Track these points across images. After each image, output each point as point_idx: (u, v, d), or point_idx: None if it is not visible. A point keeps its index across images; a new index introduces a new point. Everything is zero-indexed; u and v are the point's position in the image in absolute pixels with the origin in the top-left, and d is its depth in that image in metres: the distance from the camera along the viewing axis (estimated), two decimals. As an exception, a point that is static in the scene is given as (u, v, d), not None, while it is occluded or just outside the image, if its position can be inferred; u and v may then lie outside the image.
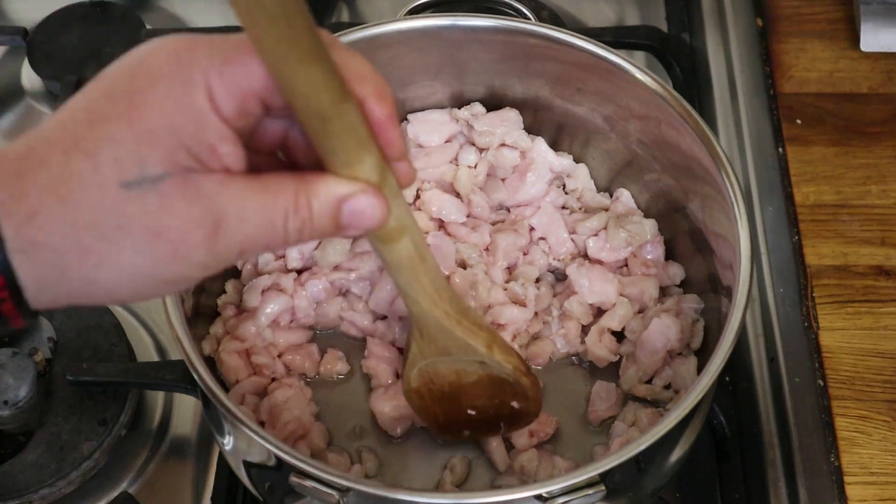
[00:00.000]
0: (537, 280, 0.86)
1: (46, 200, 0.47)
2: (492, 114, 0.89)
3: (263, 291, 0.82)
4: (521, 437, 0.77)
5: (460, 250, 0.84)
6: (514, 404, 0.72)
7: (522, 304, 0.82)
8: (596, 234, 0.87)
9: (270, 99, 0.51)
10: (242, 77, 0.49)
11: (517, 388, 0.71)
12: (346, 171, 0.52)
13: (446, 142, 0.89)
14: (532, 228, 0.87)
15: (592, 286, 0.84)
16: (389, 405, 0.78)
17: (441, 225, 0.88)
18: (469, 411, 0.72)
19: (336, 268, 0.84)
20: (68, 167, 0.48)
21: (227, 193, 0.50)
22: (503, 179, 0.90)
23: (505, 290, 0.83)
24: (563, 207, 0.90)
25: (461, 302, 0.66)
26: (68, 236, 0.48)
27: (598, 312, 0.85)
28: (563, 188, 0.91)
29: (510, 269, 0.86)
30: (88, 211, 0.48)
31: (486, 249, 0.86)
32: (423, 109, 0.91)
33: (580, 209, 0.90)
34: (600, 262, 0.86)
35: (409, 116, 0.89)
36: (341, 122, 0.50)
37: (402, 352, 0.78)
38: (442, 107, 0.91)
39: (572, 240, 0.87)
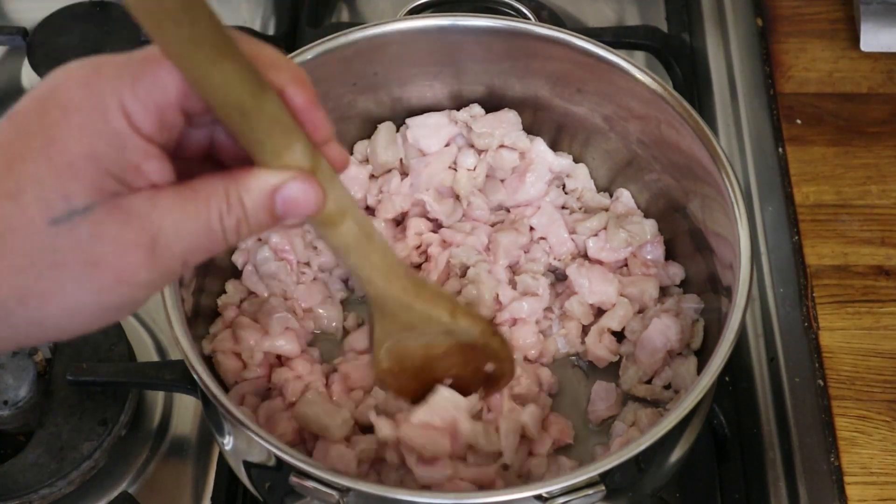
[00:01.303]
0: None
1: None
2: (490, 115, 0.89)
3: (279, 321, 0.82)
4: (543, 444, 0.77)
5: (455, 255, 0.84)
6: (489, 367, 0.72)
7: (535, 295, 0.83)
8: (596, 235, 0.87)
9: (189, 106, 0.50)
10: (156, 90, 0.48)
11: (488, 350, 0.71)
12: (275, 161, 0.51)
13: (446, 146, 0.89)
14: (532, 228, 0.87)
15: (593, 286, 0.84)
16: None
17: (438, 227, 0.88)
18: (445, 381, 0.72)
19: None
20: None
21: (159, 208, 0.49)
22: (503, 181, 0.90)
23: (515, 286, 0.84)
24: (563, 207, 0.90)
25: (416, 276, 0.66)
26: (4, 283, 0.48)
27: (599, 312, 0.85)
28: (563, 188, 0.91)
29: (512, 268, 0.86)
30: (21, 254, 0.47)
31: (487, 249, 0.86)
32: (422, 108, 0.91)
33: (580, 209, 0.90)
34: (600, 263, 0.86)
35: (408, 121, 0.89)
36: (262, 113, 0.50)
37: None
38: (441, 106, 0.91)
39: (572, 240, 0.87)
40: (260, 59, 0.50)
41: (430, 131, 0.89)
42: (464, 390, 0.74)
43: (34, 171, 0.47)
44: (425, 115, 0.90)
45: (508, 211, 0.89)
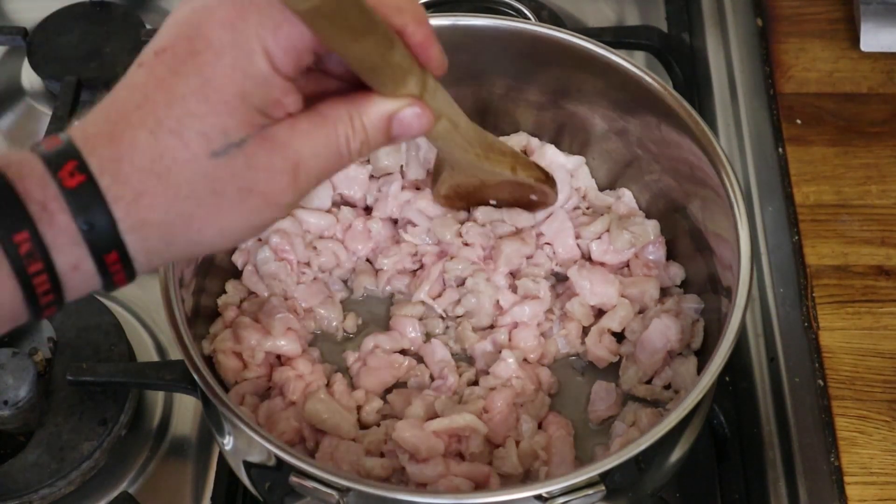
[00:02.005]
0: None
1: (147, 181, 0.51)
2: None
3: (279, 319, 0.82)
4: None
5: (449, 268, 0.84)
6: (533, 197, 0.83)
7: (536, 298, 0.83)
8: (599, 237, 0.87)
9: (321, 50, 0.55)
10: (295, 37, 0.53)
11: (536, 189, 0.82)
12: (392, 92, 0.58)
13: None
14: (540, 234, 0.87)
15: (594, 288, 0.84)
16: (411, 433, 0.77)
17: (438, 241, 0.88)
18: (491, 202, 0.85)
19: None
20: (159, 146, 0.51)
21: (298, 136, 0.55)
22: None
23: (515, 289, 0.84)
24: (576, 208, 0.90)
25: (487, 138, 0.74)
26: (172, 210, 0.52)
27: (599, 313, 0.85)
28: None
29: (512, 273, 0.86)
30: (186, 184, 0.52)
31: (486, 259, 0.86)
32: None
33: (587, 209, 0.90)
34: (603, 265, 0.86)
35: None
36: (388, 65, 0.56)
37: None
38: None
39: (577, 245, 0.87)
40: (388, 4, 0.55)
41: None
42: (505, 205, 0.85)
43: (195, 109, 0.52)
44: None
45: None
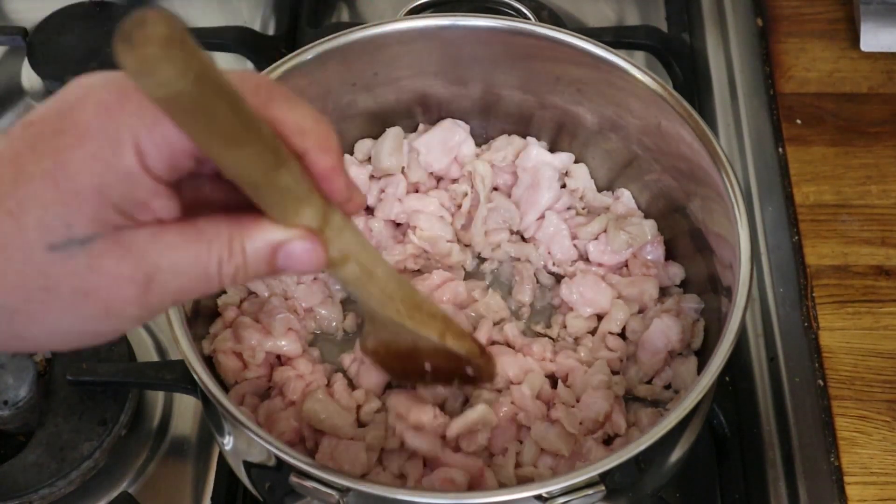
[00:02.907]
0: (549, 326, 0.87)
1: None
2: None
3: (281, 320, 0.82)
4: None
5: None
6: (469, 371, 0.74)
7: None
8: (596, 238, 0.87)
9: (202, 156, 0.49)
10: (174, 136, 0.47)
11: (472, 363, 0.72)
12: (283, 221, 0.52)
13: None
14: (535, 239, 0.88)
15: (585, 298, 0.84)
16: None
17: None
18: (426, 366, 0.73)
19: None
20: None
21: (160, 247, 0.49)
22: (517, 203, 0.90)
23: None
24: (569, 208, 0.90)
25: (415, 297, 0.67)
26: None
27: (600, 316, 0.85)
28: (564, 187, 0.91)
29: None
30: (14, 273, 0.47)
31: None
32: (422, 109, 0.91)
33: (583, 209, 0.90)
34: (601, 265, 0.86)
35: (415, 143, 0.89)
36: (274, 187, 0.50)
37: None
38: (441, 106, 0.91)
39: (574, 246, 0.87)
40: (287, 124, 0.50)
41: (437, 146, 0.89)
42: (442, 379, 0.75)
43: (40, 193, 0.46)
44: (432, 131, 0.90)
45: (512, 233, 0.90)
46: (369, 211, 0.90)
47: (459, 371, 0.74)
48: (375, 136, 0.91)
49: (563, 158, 0.90)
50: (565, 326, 0.85)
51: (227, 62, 1.12)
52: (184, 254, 0.49)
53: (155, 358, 0.93)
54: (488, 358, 0.74)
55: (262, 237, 0.51)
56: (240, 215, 0.51)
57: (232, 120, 0.46)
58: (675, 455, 0.75)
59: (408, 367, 0.74)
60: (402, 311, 0.65)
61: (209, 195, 0.54)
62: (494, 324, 0.84)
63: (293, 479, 0.65)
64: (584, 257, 0.87)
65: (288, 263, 0.52)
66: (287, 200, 0.51)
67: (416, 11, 0.95)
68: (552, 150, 0.91)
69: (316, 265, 0.53)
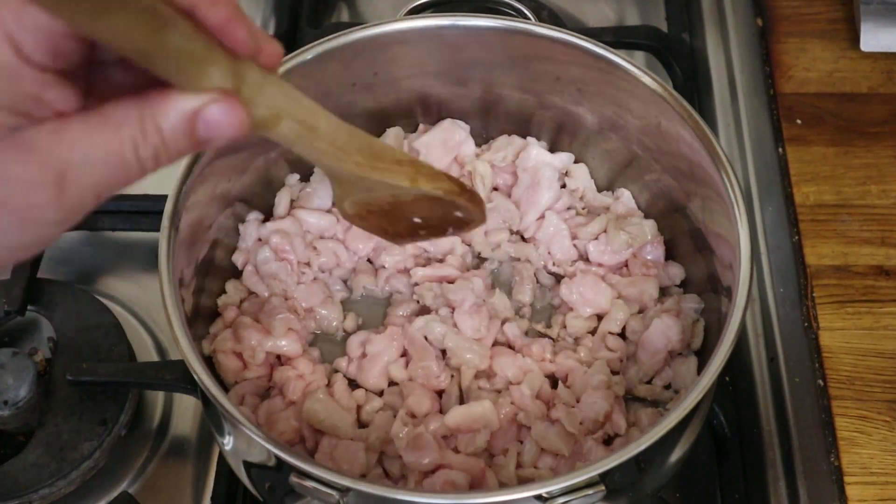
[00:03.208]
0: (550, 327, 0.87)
1: None
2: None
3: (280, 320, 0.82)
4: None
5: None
6: (458, 214, 0.69)
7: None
8: (596, 238, 0.87)
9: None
10: (43, 20, 0.44)
11: (456, 204, 0.67)
12: (191, 86, 0.48)
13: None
14: (534, 239, 0.88)
15: (584, 298, 0.84)
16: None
17: None
18: (415, 220, 0.69)
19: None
20: None
21: (65, 141, 0.45)
22: (516, 202, 0.90)
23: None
24: (569, 208, 0.90)
25: (373, 145, 0.61)
26: None
27: (600, 316, 0.85)
28: (564, 187, 0.91)
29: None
30: None
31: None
32: (422, 109, 0.91)
33: (583, 209, 0.90)
34: (601, 265, 0.86)
35: (416, 144, 0.89)
36: (164, 50, 0.45)
37: None
38: (441, 105, 0.91)
39: (574, 245, 0.87)
40: None
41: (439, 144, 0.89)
42: (434, 230, 0.71)
43: None
44: (432, 131, 0.90)
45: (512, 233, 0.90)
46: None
47: (450, 217, 0.69)
48: (375, 136, 0.91)
49: (563, 158, 0.90)
50: (565, 326, 0.85)
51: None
52: (92, 142, 0.46)
53: (155, 358, 0.93)
54: (471, 194, 0.67)
55: (173, 109, 0.47)
56: (148, 93, 0.47)
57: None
58: (675, 455, 0.75)
59: (397, 226, 0.70)
60: (361, 162, 0.60)
61: (122, 82, 0.50)
62: (501, 323, 0.84)
63: (293, 479, 0.65)
64: (584, 257, 0.87)
65: (210, 132, 0.48)
66: (186, 63, 0.46)
67: (416, 11, 0.95)
68: (552, 150, 0.91)
69: (240, 127, 0.49)
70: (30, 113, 0.45)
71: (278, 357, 0.82)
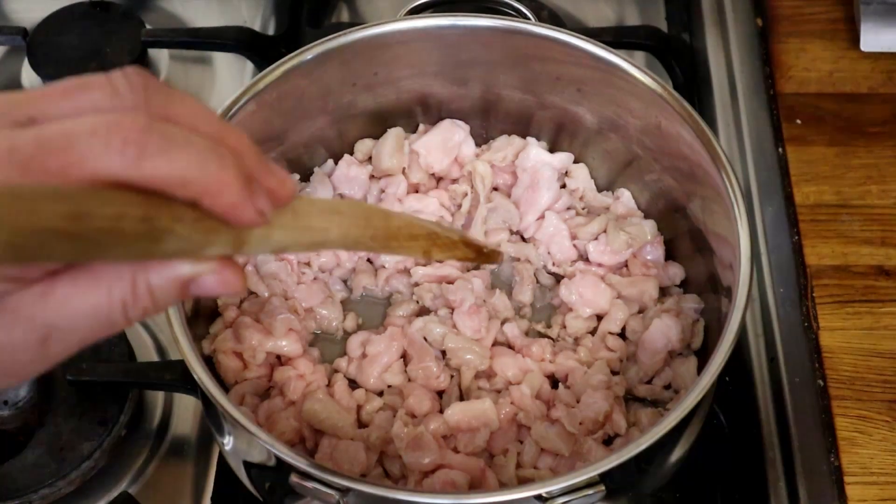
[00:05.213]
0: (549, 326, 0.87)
1: None
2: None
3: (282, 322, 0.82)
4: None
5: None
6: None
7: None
8: (596, 238, 0.87)
9: None
10: None
11: (472, 259, 0.66)
12: (191, 258, 0.46)
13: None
14: (534, 239, 0.88)
15: (584, 299, 0.84)
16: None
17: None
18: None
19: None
20: None
21: (52, 304, 0.44)
22: (516, 202, 0.90)
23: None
24: (569, 209, 0.90)
25: (390, 227, 0.59)
26: None
27: (599, 316, 0.85)
28: (564, 187, 0.91)
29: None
30: None
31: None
32: (422, 109, 0.91)
33: (583, 209, 0.90)
34: (601, 265, 0.86)
35: (415, 146, 0.89)
36: (166, 253, 0.45)
37: None
38: (440, 106, 0.91)
39: (574, 245, 0.87)
40: (164, 180, 0.43)
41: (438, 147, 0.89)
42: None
43: None
44: (433, 131, 0.90)
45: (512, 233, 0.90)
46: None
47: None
48: (375, 136, 0.91)
49: (563, 158, 0.90)
50: (565, 326, 0.85)
51: (227, 62, 1.12)
52: (80, 304, 0.45)
53: (155, 358, 0.93)
54: (489, 255, 0.66)
55: (168, 275, 0.46)
56: None
57: (77, 243, 0.41)
58: (675, 455, 0.75)
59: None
60: (375, 246, 0.59)
61: None
62: (501, 324, 0.85)
63: (293, 479, 0.65)
64: (584, 257, 0.87)
65: (201, 292, 0.47)
66: (189, 248, 0.45)
67: (416, 11, 0.95)
68: (552, 150, 0.91)
69: (233, 290, 0.48)
70: (19, 277, 0.44)
71: (278, 357, 0.82)
